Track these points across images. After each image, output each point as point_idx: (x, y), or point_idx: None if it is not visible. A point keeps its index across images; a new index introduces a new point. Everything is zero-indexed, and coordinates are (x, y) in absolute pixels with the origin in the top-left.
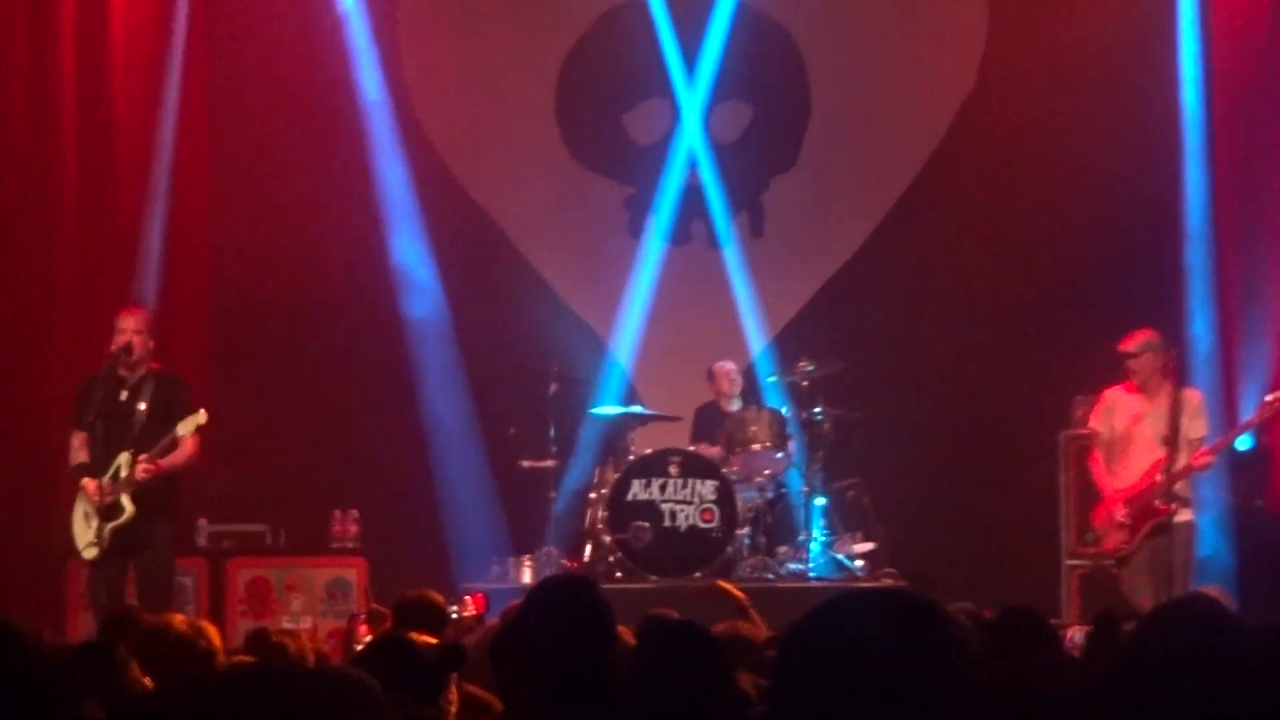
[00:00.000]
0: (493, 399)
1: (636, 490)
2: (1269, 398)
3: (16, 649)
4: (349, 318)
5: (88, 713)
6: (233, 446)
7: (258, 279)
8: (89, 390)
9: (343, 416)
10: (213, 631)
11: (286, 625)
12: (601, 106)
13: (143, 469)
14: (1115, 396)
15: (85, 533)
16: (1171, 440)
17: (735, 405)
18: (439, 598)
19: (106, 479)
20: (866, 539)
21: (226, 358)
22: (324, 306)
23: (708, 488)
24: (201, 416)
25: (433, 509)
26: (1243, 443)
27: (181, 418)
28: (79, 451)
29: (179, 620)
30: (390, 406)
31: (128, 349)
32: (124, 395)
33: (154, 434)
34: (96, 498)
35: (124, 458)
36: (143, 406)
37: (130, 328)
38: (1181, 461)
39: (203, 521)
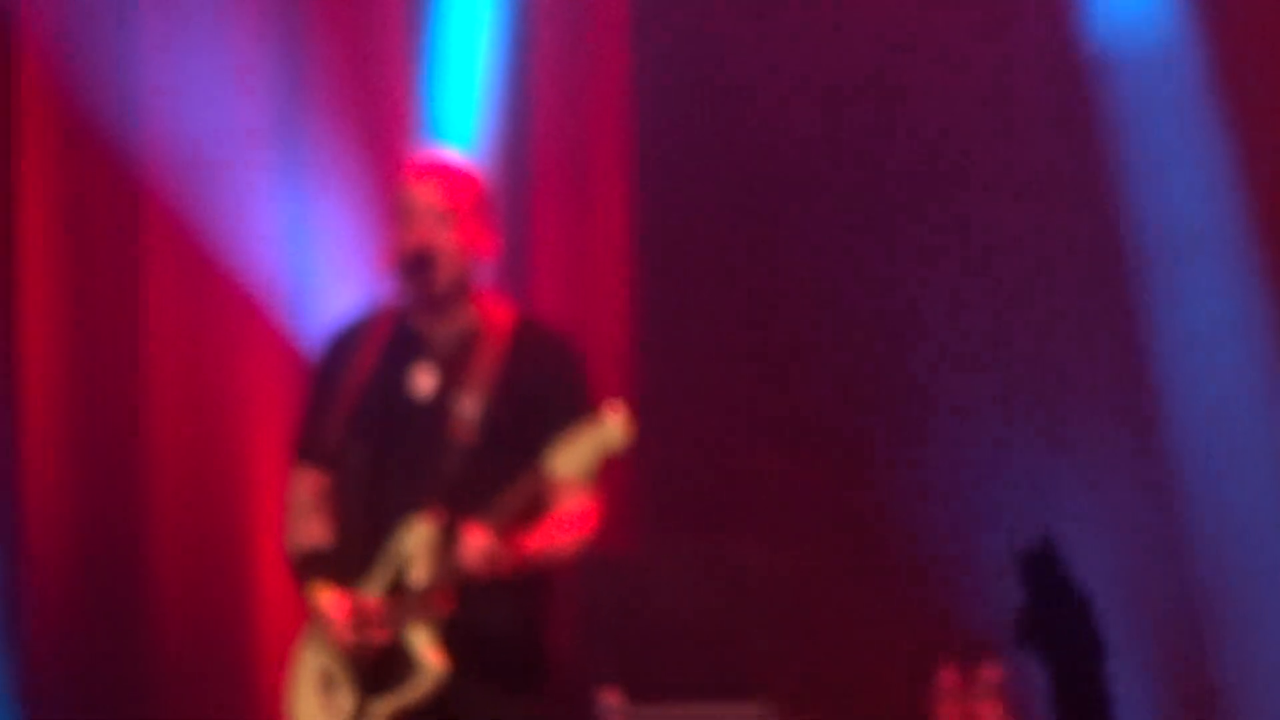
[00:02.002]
0: None
1: None
2: None
3: None
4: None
5: None
6: (680, 501)
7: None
8: (335, 362)
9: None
10: None
11: None
12: None
13: (475, 553)
14: None
15: None
16: None
17: None
18: None
19: (376, 586)
20: None
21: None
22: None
23: None
24: (614, 428)
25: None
26: None
27: (560, 428)
28: (307, 518)
29: None
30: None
31: (422, 261)
32: (419, 377)
33: (492, 471)
34: (351, 635)
35: (419, 535)
36: (469, 407)
37: (430, 206)
38: None
39: (610, 698)
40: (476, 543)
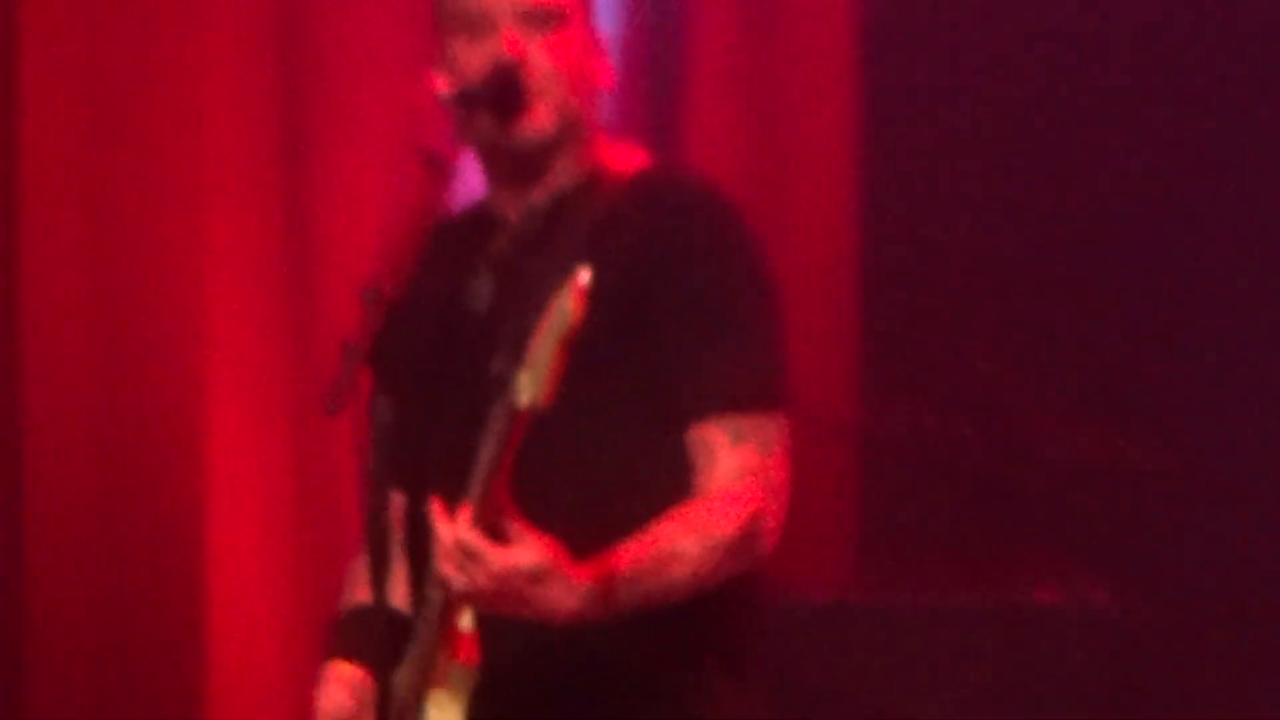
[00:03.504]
0: None
1: None
2: None
3: None
4: None
5: None
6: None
7: None
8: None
9: None
10: None
11: None
12: None
13: (447, 553)
14: None
15: None
16: None
17: None
18: None
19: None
20: None
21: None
22: None
23: None
24: (561, 299)
25: None
26: None
27: (695, 335)
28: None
29: None
30: None
31: (506, 86)
32: (480, 277)
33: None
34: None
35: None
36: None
37: (515, 2)
38: None
39: None
40: (450, 536)
